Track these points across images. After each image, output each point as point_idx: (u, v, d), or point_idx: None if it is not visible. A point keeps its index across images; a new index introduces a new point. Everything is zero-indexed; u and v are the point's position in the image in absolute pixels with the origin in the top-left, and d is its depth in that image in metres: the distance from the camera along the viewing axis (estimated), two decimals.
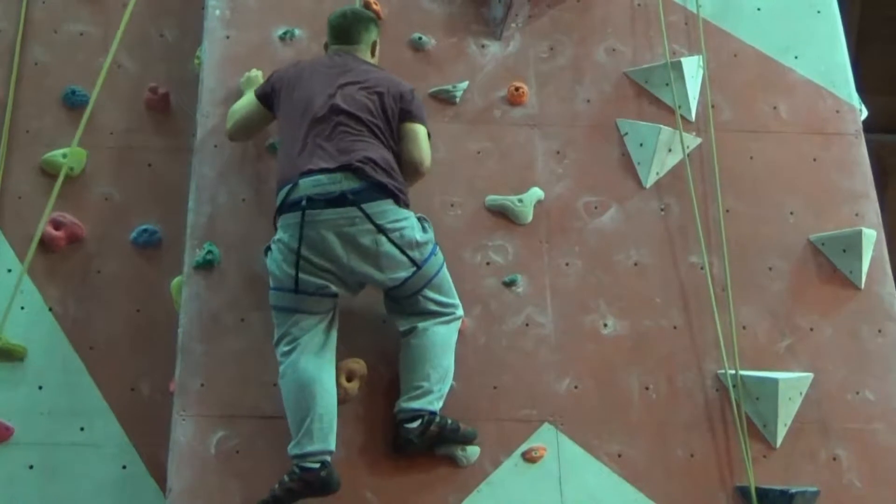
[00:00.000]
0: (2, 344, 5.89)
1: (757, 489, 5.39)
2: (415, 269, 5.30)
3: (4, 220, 6.21)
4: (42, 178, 6.28)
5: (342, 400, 5.29)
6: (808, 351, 5.82)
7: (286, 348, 5.26)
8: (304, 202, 5.20)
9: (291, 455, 5.12)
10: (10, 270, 6.06)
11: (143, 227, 6.24)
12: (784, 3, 6.66)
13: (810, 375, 5.71)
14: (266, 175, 5.86)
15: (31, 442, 5.74)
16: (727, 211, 6.03)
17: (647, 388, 5.64)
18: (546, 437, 5.49)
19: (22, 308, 6.00)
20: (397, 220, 5.27)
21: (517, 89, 6.18)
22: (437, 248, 5.43)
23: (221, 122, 5.92)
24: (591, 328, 5.74)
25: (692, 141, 6.16)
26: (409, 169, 5.45)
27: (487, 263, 5.80)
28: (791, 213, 6.10)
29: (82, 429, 5.87)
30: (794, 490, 5.37)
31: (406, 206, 5.36)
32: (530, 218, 5.91)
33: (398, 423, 5.32)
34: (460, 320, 5.51)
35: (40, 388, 5.87)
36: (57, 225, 6.13)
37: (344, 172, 5.22)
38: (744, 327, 5.80)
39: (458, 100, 6.13)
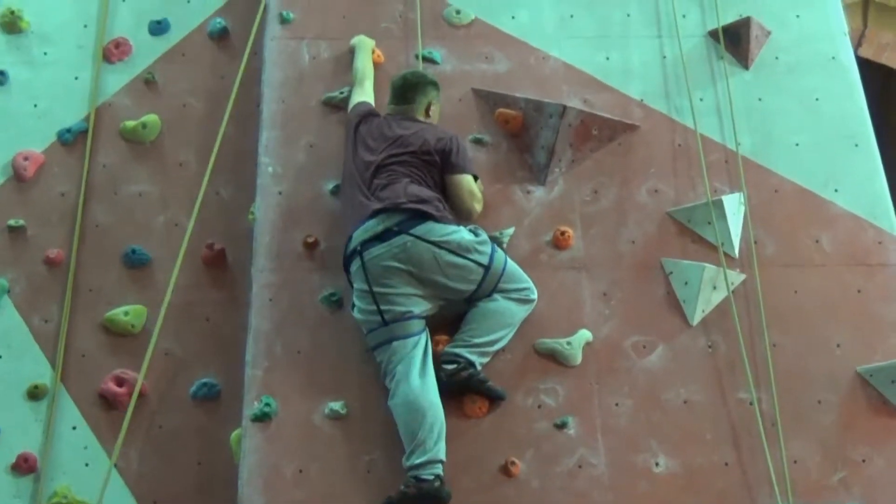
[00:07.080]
0: (69, 501, 6.01)
1: None
2: (483, 270, 5.72)
3: (69, 377, 6.32)
4: (105, 335, 6.44)
5: None
6: (861, 483, 5.78)
7: (390, 378, 5.65)
8: (358, 247, 5.66)
9: (406, 467, 5.47)
10: (74, 428, 6.20)
11: (203, 380, 6.35)
12: (822, 137, 6.75)
13: None
14: (320, 326, 6.01)
15: None
16: (774, 345, 6.05)
17: None
18: None
19: (86, 465, 6.12)
20: (446, 234, 5.72)
21: (563, 233, 6.30)
22: (494, 245, 5.85)
23: (276, 275, 6.14)
24: (643, 467, 5.75)
25: (736, 277, 6.22)
26: (460, 216, 6.01)
27: (539, 406, 5.85)
28: (838, 346, 6.11)
29: None
30: None
31: (448, 221, 5.79)
32: (579, 360, 5.97)
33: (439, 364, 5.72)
34: (533, 303, 5.95)
35: None
36: (120, 382, 6.27)
37: (382, 214, 5.71)
38: (795, 461, 5.78)
39: (505, 245, 6.21)
